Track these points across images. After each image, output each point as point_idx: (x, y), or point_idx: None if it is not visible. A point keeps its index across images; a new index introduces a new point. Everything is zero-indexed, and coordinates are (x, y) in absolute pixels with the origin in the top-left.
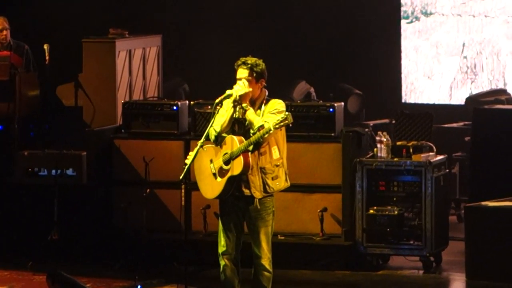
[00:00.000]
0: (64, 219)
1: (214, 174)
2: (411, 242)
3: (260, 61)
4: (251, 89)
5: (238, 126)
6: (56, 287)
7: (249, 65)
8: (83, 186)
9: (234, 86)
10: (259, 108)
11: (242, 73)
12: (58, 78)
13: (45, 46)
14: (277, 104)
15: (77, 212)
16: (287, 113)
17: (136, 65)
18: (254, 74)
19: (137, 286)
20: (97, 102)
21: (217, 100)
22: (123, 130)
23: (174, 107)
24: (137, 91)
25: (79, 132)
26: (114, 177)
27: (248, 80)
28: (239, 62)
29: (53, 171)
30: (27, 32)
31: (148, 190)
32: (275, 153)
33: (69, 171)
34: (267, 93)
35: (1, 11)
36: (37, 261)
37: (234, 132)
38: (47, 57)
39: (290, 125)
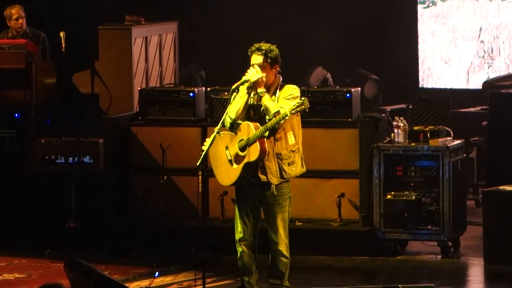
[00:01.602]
0: (81, 206)
1: (230, 161)
2: (429, 227)
3: (274, 47)
4: (264, 74)
5: (253, 112)
6: (74, 274)
7: (263, 51)
8: (100, 173)
9: (247, 72)
10: (274, 94)
11: (256, 59)
12: (74, 65)
13: (61, 34)
14: (292, 90)
15: (95, 199)
16: (303, 98)
17: (152, 52)
18: (269, 60)
19: (155, 273)
20: (114, 89)
21: (233, 86)
22: (139, 117)
23: (191, 94)
24: (153, 78)
25: (95, 120)
26: (131, 164)
27: (262, 66)
28: (253, 48)
29: (70, 159)
30: (43, 20)
31: (165, 177)
32: (291, 139)
33: (86, 159)
34: (281, 79)
35: None
36: (54, 249)
37: (249, 118)
38: (63, 45)
39: (307, 110)
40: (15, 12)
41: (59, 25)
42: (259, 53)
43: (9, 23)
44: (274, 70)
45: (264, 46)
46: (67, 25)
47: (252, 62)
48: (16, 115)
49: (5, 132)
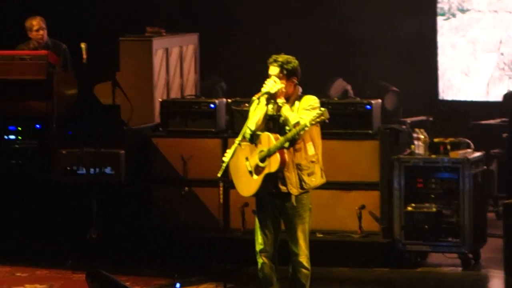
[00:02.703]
0: (102, 217)
1: (250, 172)
2: (450, 239)
3: (292, 59)
4: (282, 85)
5: (273, 123)
6: (95, 285)
7: (280, 63)
8: (121, 184)
9: (265, 83)
10: (293, 104)
11: (273, 70)
12: (95, 76)
13: (82, 45)
14: (311, 100)
15: (116, 210)
16: (323, 108)
17: (173, 63)
18: (285, 72)
19: (176, 284)
20: (135, 100)
21: (253, 98)
22: (161, 129)
23: (212, 105)
24: (174, 89)
25: (117, 131)
26: (152, 175)
27: (279, 77)
28: (271, 60)
29: (92, 170)
30: (64, 31)
31: (186, 188)
32: (310, 149)
33: (107, 170)
34: (301, 90)
35: (38, 10)
36: (76, 260)
37: (268, 129)
38: (84, 56)
39: (327, 120)
40: (36, 23)
41: (80, 36)
42: (276, 64)
43: (30, 34)
44: (291, 82)
45: (281, 57)
46: (88, 36)
47: (269, 73)
48: (38, 126)
49: (27, 143)
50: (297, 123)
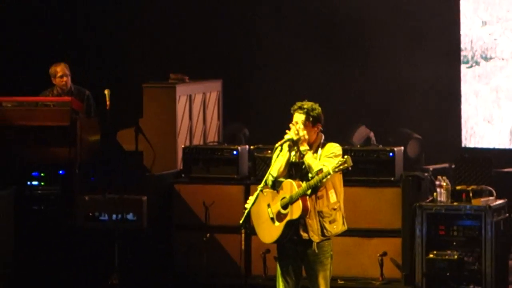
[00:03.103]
0: (124, 263)
1: (272, 219)
2: (471, 286)
3: (316, 105)
4: (305, 132)
5: (295, 170)
6: None
7: (305, 110)
8: (143, 230)
9: (289, 130)
10: (316, 151)
11: (298, 117)
12: (119, 123)
13: (106, 92)
14: (334, 148)
15: (138, 256)
16: (346, 156)
17: (196, 110)
18: (310, 119)
19: None
20: (158, 146)
21: (276, 145)
22: (183, 175)
23: (234, 152)
24: (197, 135)
25: (139, 177)
26: (175, 221)
27: (304, 125)
28: (295, 107)
29: (114, 216)
30: (88, 77)
31: (208, 234)
32: (332, 197)
33: (130, 216)
34: (323, 137)
35: (62, 57)
36: None
37: (291, 176)
38: (107, 102)
39: (350, 168)
40: (60, 70)
41: (104, 83)
42: (301, 111)
43: (54, 81)
44: (316, 129)
45: (306, 104)
46: (112, 83)
47: (294, 120)
48: (61, 172)
49: (50, 188)
50: (320, 171)
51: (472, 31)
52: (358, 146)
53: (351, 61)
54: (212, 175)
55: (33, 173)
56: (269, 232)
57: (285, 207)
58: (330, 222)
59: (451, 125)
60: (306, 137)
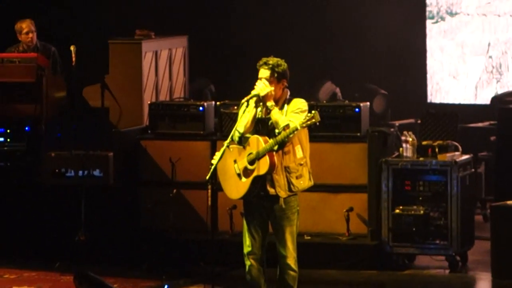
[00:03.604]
0: (91, 219)
1: (239, 175)
2: (437, 241)
3: (282, 62)
4: (272, 88)
5: (262, 125)
6: (83, 287)
7: (270, 65)
8: (110, 187)
9: (255, 86)
10: (282, 108)
11: (264, 73)
12: (84, 79)
13: (72, 48)
14: (300, 104)
15: (104, 212)
16: (313, 111)
17: (162, 66)
18: (275, 75)
19: (164, 286)
20: (124, 103)
21: (243, 101)
22: (149, 131)
23: (200, 108)
24: (163, 92)
25: (105, 133)
26: (141, 177)
27: (269, 80)
28: (261, 62)
29: (80, 172)
30: (53, 34)
31: (174, 190)
32: (299, 152)
33: (96, 172)
34: (289, 93)
35: (27, 13)
36: (64, 262)
37: (257, 132)
38: (73, 59)
39: (317, 123)
40: (25, 26)
41: (70, 39)
42: (266, 67)
43: (19, 37)
44: (281, 85)
45: (272, 60)
46: (78, 39)
47: (259, 76)
48: (27, 128)
49: (15, 145)
50: (287, 126)
51: None
52: (324, 101)
53: (317, 18)
54: (178, 131)
55: None
56: (235, 188)
57: (251, 162)
58: (296, 178)
59: (417, 80)
60: (273, 93)
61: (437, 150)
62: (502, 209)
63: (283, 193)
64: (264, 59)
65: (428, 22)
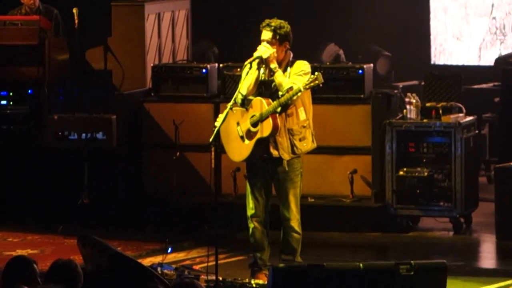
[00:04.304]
0: (94, 183)
1: (242, 137)
2: (441, 203)
3: (284, 23)
4: (274, 50)
5: (265, 88)
6: (87, 250)
7: (273, 27)
8: (113, 149)
9: (258, 48)
10: (285, 70)
11: (266, 35)
12: (87, 42)
13: (74, 10)
14: (303, 66)
15: (107, 176)
16: (316, 73)
17: (165, 28)
18: (277, 37)
19: (167, 249)
20: (127, 65)
21: (246, 63)
22: (152, 94)
23: (204, 70)
24: (166, 54)
25: (108, 96)
26: (144, 140)
27: (271, 42)
28: (263, 24)
29: (83, 135)
30: None
31: (178, 153)
32: (302, 115)
33: (99, 135)
34: (292, 56)
35: None
36: (67, 225)
37: (260, 94)
38: (76, 21)
39: (320, 85)
40: None
41: (72, 2)
42: (269, 29)
43: (22, 0)
44: (283, 47)
45: (274, 22)
46: (80, 1)
47: (262, 38)
48: (29, 91)
49: (18, 108)
50: (290, 88)
51: None
52: (328, 63)
53: None
54: (182, 93)
55: (2, 93)
56: (239, 150)
57: (255, 125)
58: (300, 140)
59: (420, 42)
60: (275, 55)
61: (440, 111)
62: (506, 171)
63: (286, 155)
64: (266, 21)
65: None
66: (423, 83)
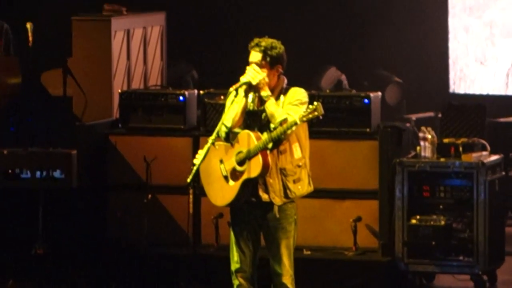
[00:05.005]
0: (50, 229)
1: (226, 177)
2: (461, 257)
3: (277, 43)
4: (265, 75)
5: (253, 119)
6: None
7: (263, 48)
8: (73, 190)
9: (246, 72)
10: (277, 98)
11: (255, 56)
12: (43, 62)
13: (28, 25)
14: (299, 94)
15: (66, 221)
16: (316, 103)
17: (135, 47)
18: (268, 59)
19: None
20: (90, 91)
21: (231, 89)
22: (120, 125)
23: (181, 98)
24: (136, 78)
25: (68, 127)
26: (110, 180)
27: (260, 65)
28: (252, 44)
29: (38, 173)
30: (5, 8)
31: (149, 195)
32: (297, 152)
33: (57, 173)
34: (286, 82)
35: None
36: (19, 279)
37: (248, 127)
38: (30, 38)
39: (320, 117)
40: None
41: (26, 15)
42: (258, 49)
43: None
44: (275, 71)
45: (265, 41)
46: (35, 15)
47: (250, 60)
48: None
49: None
50: (284, 120)
51: None
52: (328, 91)
53: None
54: (155, 125)
55: None
56: (221, 193)
57: (241, 163)
58: (294, 182)
59: (437, 66)
60: (266, 80)
61: (461, 149)
62: None
63: (278, 200)
64: (256, 40)
65: None
66: (440, 115)
